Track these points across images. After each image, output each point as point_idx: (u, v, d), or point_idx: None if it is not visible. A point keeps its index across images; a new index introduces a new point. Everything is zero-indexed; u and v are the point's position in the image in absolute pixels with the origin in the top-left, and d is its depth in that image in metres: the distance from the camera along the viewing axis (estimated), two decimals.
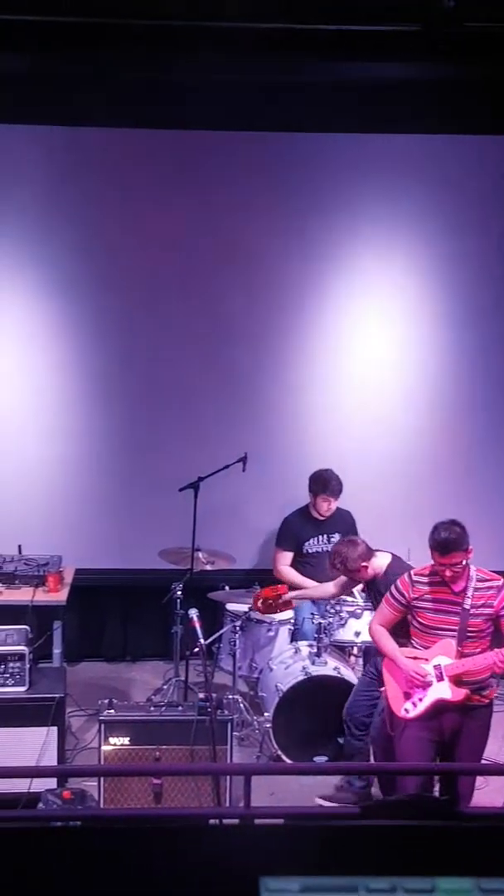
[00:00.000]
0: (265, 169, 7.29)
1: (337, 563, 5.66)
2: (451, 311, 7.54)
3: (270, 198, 7.30)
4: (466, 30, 6.21)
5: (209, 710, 5.17)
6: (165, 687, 6.69)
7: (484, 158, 7.39)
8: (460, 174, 7.37)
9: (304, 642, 6.30)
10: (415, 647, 4.86)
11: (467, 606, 4.71)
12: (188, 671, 6.39)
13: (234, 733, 5.53)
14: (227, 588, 6.70)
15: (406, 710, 4.82)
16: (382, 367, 7.55)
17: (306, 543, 6.81)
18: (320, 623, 6.14)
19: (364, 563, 5.53)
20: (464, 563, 4.69)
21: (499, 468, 7.64)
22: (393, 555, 5.66)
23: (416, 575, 4.84)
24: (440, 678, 4.73)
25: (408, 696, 4.83)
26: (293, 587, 6.56)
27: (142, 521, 7.32)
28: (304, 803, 5.48)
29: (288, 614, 6.46)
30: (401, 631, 4.96)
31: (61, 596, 6.22)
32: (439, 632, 4.76)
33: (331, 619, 6.22)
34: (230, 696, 5.94)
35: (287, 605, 6.24)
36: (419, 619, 4.81)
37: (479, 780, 5.29)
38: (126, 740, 5.24)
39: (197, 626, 5.28)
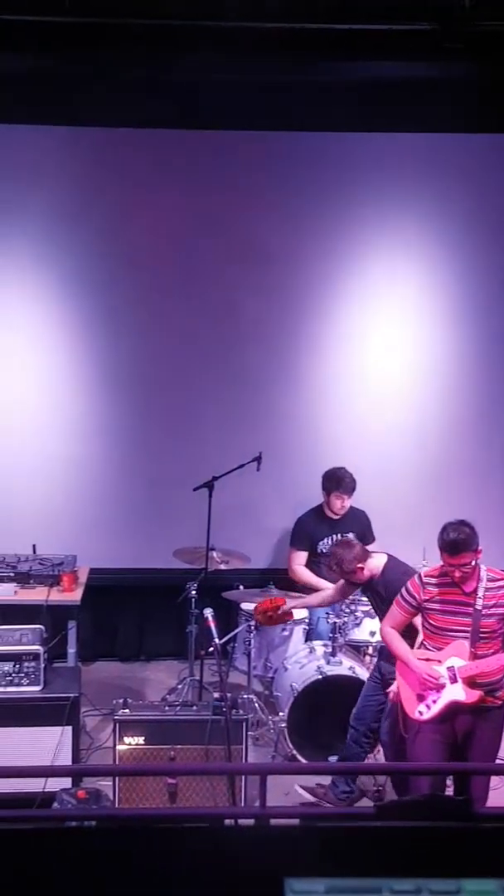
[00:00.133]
0: (272, 168, 7.28)
1: (332, 564, 5.64)
2: (466, 310, 7.52)
3: (279, 197, 7.29)
4: (480, 28, 6.19)
5: (224, 709, 5.16)
6: (180, 686, 6.69)
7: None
8: (476, 171, 7.36)
9: (319, 642, 6.29)
10: (427, 649, 4.83)
11: (479, 607, 4.68)
12: (203, 671, 6.39)
13: (249, 733, 5.53)
14: (241, 587, 6.69)
15: (420, 713, 4.79)
16: (397, 366, 7.54)
17: (320, 543, 6.79)
18: (335, 622, 6.13)
19: (360, 565, 5.49)
20: (473, 563, 4.67)
21: None
22: (389, 555, 5.64)
23: (426, 576, 4.81)
24: (454, 680, 4.70)
25: (421, 698, 4.80)
26: (307, 587, 6.55)
27: (156, 521, 7.33)
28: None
29: (303, 612, 6.44)
30: (405, 632, 4.95)
31: (76, 595, 6.22)
32: (452, 633, 4.74)
33: (346, 619, 6.20)
34: (245, 696, 5.93)
35: (287, 615, 6.13)
36: (431, 621, 4.79)
37: (494, 780, 5.26)
38: (141, 740, 5.25)
39: (212, 625, 5.27)
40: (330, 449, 7.24)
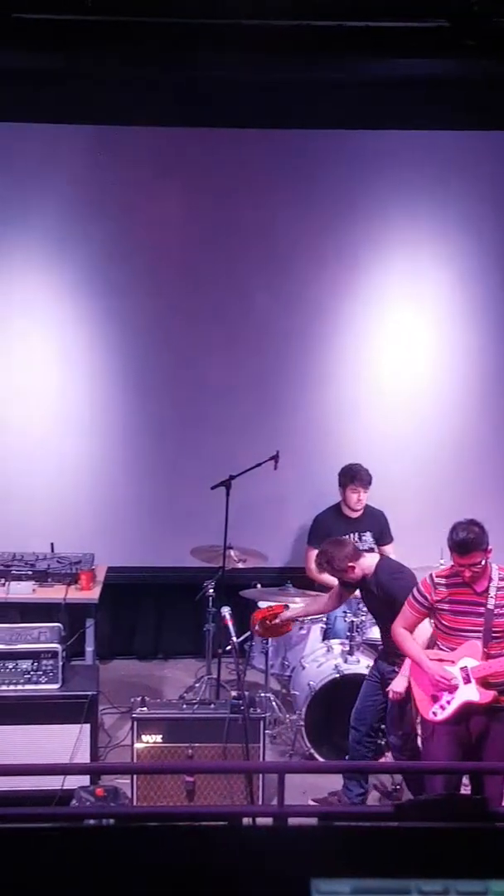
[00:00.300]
0: (286, 166, 7.26)
1: (323, 562, 5.52)
2: (484, 310, 7.50)
3: (293, 196, 7.28)
4: (494, 25, 6.16)
5: (242, 707, 5.17)
6: (198, 685, 6.71)
7: None
8: (491, 169, 7.34)
9: (337, 640, 6.29)
10: (441, 650, 4.82)
11: (491, 606, 4.65)
12: (220, 669, 6.39)
13: (267, 731, 5.54)
14: (259, 586, 6.69)
15: (434, 714, 4.77)
16: (414, 365, 7.52)
17: None
18: (353, 621, 6.12)
19: (351, 564, 5.37)
20: (483, 562, 4.64)
21: None
22: (382, 555, 5.62)
23: (437, 577, 4.78)
24: (467, 680, 4.68)
25: (435, 699, 4.77)
26: (325, 586, 6.54)
27: (174, 519, 7.34)
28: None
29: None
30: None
31: (94, 594, 6.24)
32: (464, 633, 4.71)
33: (363, 618, 6.18)
34: (262, 694, 5.93)
35: (286, 625, 6.02)
36: (443, 622, 4.76)
37: None
38: (159, 738, 5.26)
39: (229, 623, 5.28)
40: (347, 447, 7.23)
